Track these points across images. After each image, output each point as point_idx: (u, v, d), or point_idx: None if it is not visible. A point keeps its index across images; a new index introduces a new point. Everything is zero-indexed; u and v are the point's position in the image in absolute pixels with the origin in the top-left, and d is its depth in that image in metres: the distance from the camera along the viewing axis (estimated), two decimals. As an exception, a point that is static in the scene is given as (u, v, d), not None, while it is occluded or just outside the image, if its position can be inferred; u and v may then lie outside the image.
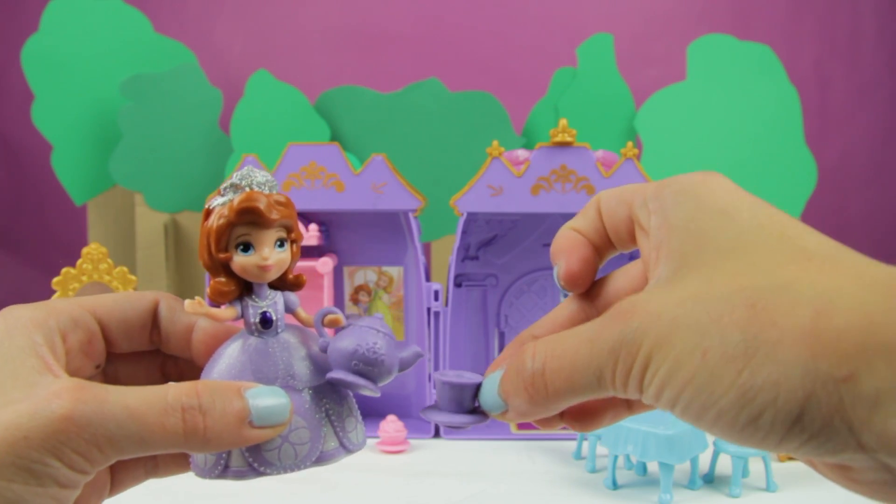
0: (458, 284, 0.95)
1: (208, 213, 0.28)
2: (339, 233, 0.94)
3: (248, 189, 0.27)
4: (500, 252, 0.96)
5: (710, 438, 0.71)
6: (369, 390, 0.28)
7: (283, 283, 0.29)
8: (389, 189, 0.84)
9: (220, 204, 0.27)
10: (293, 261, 0.29)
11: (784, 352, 0.19)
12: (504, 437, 0.86)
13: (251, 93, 1.11)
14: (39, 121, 1.12)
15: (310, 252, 0.89)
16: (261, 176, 0.28)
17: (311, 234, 0.87)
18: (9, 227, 1.33)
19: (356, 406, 0.30)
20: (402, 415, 0.87)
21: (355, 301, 0.94)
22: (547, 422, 0.27)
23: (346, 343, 0.27)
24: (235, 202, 0.27)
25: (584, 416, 0.27)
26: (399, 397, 0.92)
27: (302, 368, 0.28)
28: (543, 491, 0.71)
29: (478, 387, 0.27)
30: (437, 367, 0.87)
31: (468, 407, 0.27)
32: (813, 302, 0.19)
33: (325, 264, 0.87)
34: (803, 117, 1.08)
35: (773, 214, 0.22)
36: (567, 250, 0.27)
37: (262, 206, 0.27)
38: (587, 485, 0.72)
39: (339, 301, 0.94)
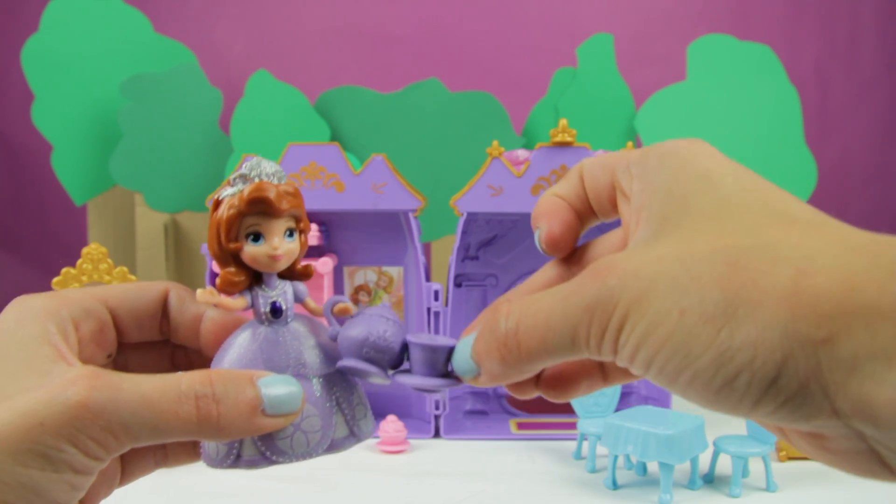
0: (458, 284, 0.95)
1: (217, 203, 0.28)
2: (339, 233, 0.94)
3: (257, 179, 0.27)
4: (500, 252, 0.96)
5: (710, 438, 0.71)
6: (380, 378, 0.28)
7: (292, 273, 0.29)
8: (389, 189, 0.84)
9: (230, 194, 0.28)
10: (302, 251, 0.29)
11: (764, 312, 0.18)
12: (504, 437, 0.86)
13: (251, 93, 1.11)
14: (39, 121, 1.12)
15: (310, 252, 0.89)
16: (270, 166, 0.28)
17: (310, 234, 0.86)
18: (9, 227, 1.33)
19: (365, 395, 0.30)
20: (402, 415, 0.87)
21: (355, 301, 0.94)
22: (521, 388, 0.26)
23: (356, 331, 0.27)
24: (245, 192, 0.27)
25: (558, 383, 0.27)
26: (399, 397, 0.92)
27: (312, 357, 0.28)
28: (543, 491, 0.71)
29: (451, 350, 0.26)
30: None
31: (441, 371, 0.27)
32: (794, 261, 0.19)
33: (325, 264, 0.87)
34: (803, 117, 1.08)
35: (756, 180, 0.22)
36: (549, 214, 0.26)
37: (272, 195, 0.27)
38: (587, 485, 0.72)
39: (339, 301, 0.94)
